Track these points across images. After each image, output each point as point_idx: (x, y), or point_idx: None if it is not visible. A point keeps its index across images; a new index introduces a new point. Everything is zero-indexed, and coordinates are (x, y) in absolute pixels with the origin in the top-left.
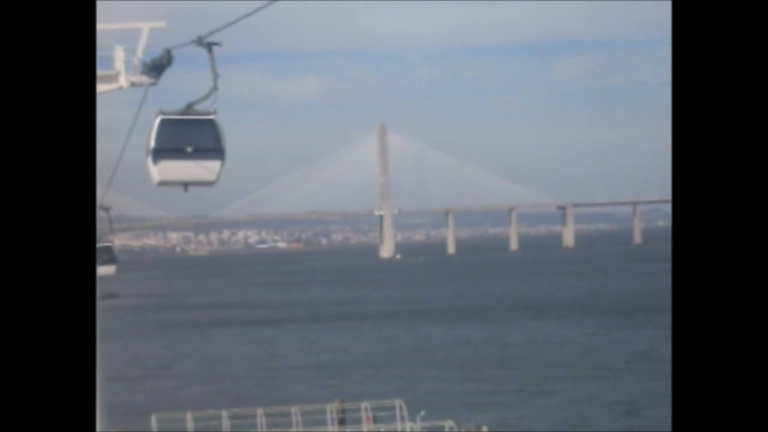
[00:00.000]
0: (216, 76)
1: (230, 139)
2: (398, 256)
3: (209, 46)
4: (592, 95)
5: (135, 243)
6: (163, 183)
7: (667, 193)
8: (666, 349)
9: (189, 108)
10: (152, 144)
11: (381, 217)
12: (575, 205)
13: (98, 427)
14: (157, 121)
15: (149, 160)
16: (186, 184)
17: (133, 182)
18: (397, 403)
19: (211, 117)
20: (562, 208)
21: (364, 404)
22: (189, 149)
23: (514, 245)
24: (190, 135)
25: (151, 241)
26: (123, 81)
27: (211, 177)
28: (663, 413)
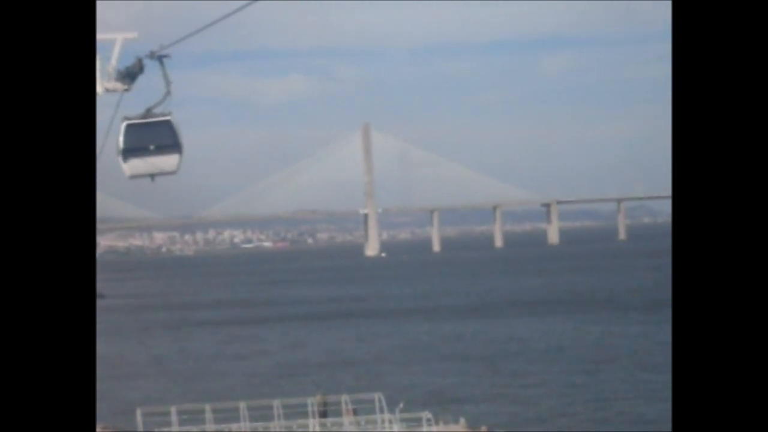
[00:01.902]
0: (168, 83)
1: (214, 139)
2: (383, 255)
3: (160, 58)
4: (576, 92)
5: (121, 243)
6: (133, 177)
7: (651, 190)
8: (644, 346)
9: (148, 112)
10: (121, 145)
11: (366, 216)
12: (559, 202)
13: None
14: (123, 125)
15: (120, 159)
16: (153, 176)
17: (117, 182)
18: (376, 396)
19: (168, 118)
20: (547, 206)
21: (344, 397)
22: (152, 147)
23: (498, 243)
24: (151, 135)
25: (137, 241)
26: (99, 88)
27: (173, 168)
28: (633, 406)
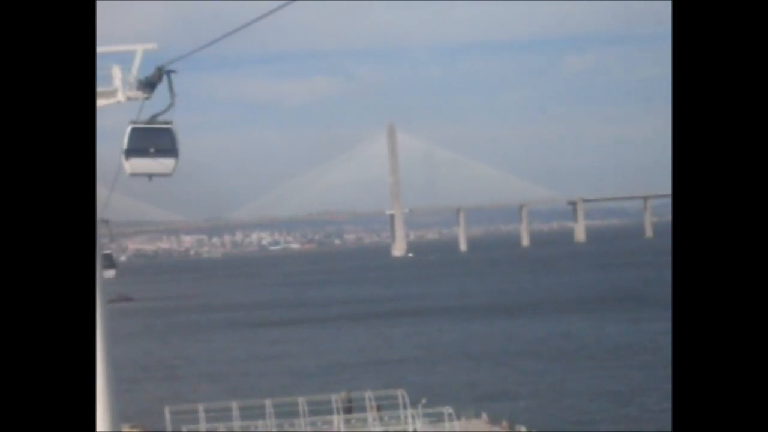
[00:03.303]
0: (173, 95)
1: (241, 141)
2: (410, 255)
3: (168, 73)
4: (601, 91)
5: (149, 247)
6: (133, 174)
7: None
8: (665, 342)
9: (152, 118)
10: (125, 146)
11: (392, 217)
12: (585, 200)
13: (112, 425)
14: (129, 128)
15: (123, 157)
16: (150, 175)
17: (146, 186)
18: (399, 392)
19: (168, 126)
20: (573, 204)
21: (368, 394)
22: (152, 150)
23: (525, 241)
24: (152, 139)
25: (165, 244)
26: (120, 96)
27: (168, 170)
28: (655, 402)
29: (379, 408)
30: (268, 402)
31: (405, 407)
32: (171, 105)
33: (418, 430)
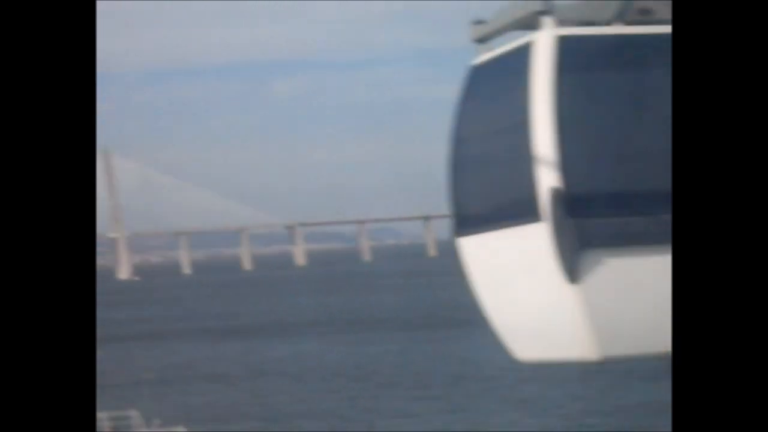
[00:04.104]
0: None
1: None
2: (136, 278)
3: None
4: (308, 114)
5: None
6: None
7: (394, 212)
8: (379, 364)
9: None
10: None
11: (114, 240)
12: (302, 224)
13: None
14: None
15: None
16: None
17: None
18: (132, 413)
19: None
20: (290, 228)
21: (100, 415)
22: None
23: (247, 265)
24: None
25: None
26: None
27: None
28: (379, 419)
29: (113, 428)
30: None
31: (138, 428)
32: None
33: None
